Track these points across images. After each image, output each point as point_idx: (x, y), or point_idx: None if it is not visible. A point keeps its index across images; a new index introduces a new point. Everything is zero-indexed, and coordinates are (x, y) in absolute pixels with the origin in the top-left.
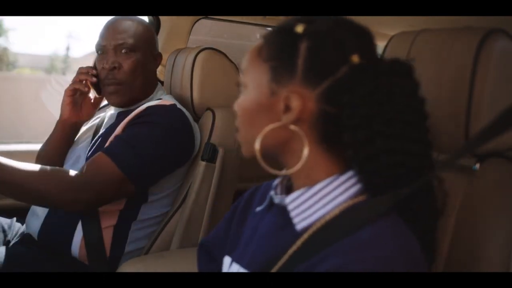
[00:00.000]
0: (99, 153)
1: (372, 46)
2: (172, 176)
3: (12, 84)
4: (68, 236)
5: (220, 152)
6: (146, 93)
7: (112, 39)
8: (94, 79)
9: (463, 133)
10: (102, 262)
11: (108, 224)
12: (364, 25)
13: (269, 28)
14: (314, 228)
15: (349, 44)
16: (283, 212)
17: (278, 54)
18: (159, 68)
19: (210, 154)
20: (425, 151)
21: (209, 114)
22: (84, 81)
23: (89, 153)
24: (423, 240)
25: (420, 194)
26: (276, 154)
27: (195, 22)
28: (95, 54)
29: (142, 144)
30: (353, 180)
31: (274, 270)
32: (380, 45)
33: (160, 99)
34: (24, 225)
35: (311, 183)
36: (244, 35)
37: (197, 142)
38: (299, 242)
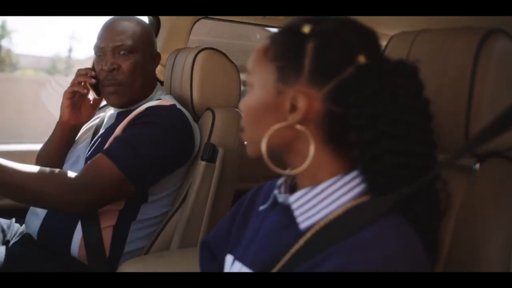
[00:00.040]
0: (99, 154)
1: (377, 46)
2: (172, 176)
3: (15, 85)
4: (68, 236)
5: (220, 152)
6: (146, 93)
7: (110, 40)
8: (93, 81)
9: (463, 133)
10: (101, 262)
11: (107, 224)
12: (368, 26)
13: (269, 28)
14: (317, 227)
15: (355, 45)
16: (286, 211)
17: (285, 54)
18: (159, 68)
19: (210, 154)
20: (430, 152)
21: (209, 114)
22: (83, 83)
23: (89, 153)
24: (426, 240)
25: (423, 195)
26: (281, 154)
27: (195, 22)
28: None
29: (142, 145)
30: (357, 180)
31: (276, 268)
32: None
33: (160, 99)
34: (24, 225)
35: (315, 183)
36: (244, 35)
37: (197, 142)
38: (301, 241)
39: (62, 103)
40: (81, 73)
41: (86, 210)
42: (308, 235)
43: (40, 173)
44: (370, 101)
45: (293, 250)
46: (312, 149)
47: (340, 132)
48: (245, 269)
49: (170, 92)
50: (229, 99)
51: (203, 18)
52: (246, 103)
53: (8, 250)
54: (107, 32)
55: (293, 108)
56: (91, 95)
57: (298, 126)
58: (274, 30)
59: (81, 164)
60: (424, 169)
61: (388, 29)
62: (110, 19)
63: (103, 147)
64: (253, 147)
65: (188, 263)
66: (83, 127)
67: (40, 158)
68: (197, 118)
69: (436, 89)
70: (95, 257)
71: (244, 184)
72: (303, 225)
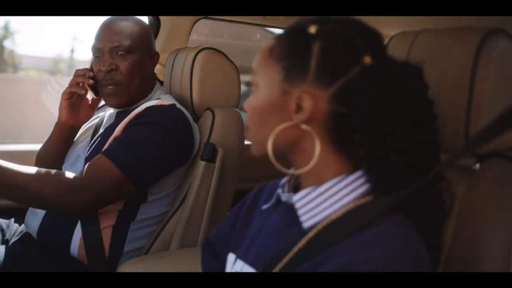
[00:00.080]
0: (98, 155)
1: (382, 46)
2: (171, 176)
3: (17, 85)
4: (67, 236)
5: (220, 152)
6: (145, 93)
7: (108, 41)
8: (91, 82)
9: (463, 133)
10: (101, 262)
11: (107, 224)
12: (373, 26)
13: (269, 28)
14: (319, 226)
15: (360, 45)
16: (290, 210)
17: (291, 54)
18: (159, 68)
19: (210, 154)
20: (434, 152)
21: (208, 114)
22: (81, 84)
23: (88, 153)
24: (429, 241)
25: (427, 195)
26: (286, 154)
27: (195, 22)
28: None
29: (142, 145)
30: (361, 180)
31: (278, 267)
32: None
33: (159, 98)
34: (23, 224)
35: (319, 182)
36: (244, 35)
37: (197, 142)
38: (304, 240)
39: (60, 104)
40: (79, 74)
41: (86, 211)
42: (311, 234)
43: (40, 174)
44: (376, 101)
45: (295, 249)
46: (317, 148)
47: (345, 132)
48: (247, 268)
49: (170, 92)
50: (229, 99)
51: (203, 18)
52: (251, 103)
53: (8, 250)
54: (104, 32)
55: (299, 108)
56: (90, 96)
57: (304, 126)
58: (274, 30)
59: (80, 164)
60: (428, 170)
61: (388, 29)
62: (107, 19)
63: (103, 146)
64: (258, 147)
65: (188, 263)
66: (83, 126)
67: (40, 158)
68: (197, 118)
69: (436, 89)
70: (95, 256)
71: (244, 184)
72: (306, 224)
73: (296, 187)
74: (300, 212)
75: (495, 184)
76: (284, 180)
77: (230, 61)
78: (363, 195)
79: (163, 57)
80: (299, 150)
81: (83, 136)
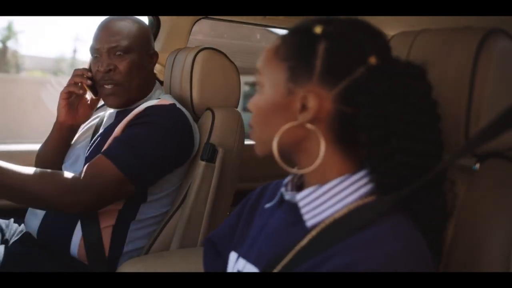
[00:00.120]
0: (98, 155)
1: (386, 47)
2: (171, 176)
3: (20, 86)
4: (67, 236)
5: (220, 152)
6: (144, 93)
7: (106, 41)
8: (89, 82)
9: (463, 133)
10: (101, 262)
11: (107, 224)
12: (377, 27)
13: (269, 28)
14: (322, 225)
15: (366, 45)
16: (293, 209)
17: (296, 54)
18: (159, 68)
19: (210, 154)
20: (438, 152)
21: (208, 114)
22: (79, 83)
23: (88, 153)
24: (431, 241)
25: (430, 195)
26: (290, 153)
27: (195, 22)
28: None
29: (142, 145)
30: (364, 180)
31: (280, 265)
32: None
33: (159, 98)
34: (23, 224)
35: (323, 181)
36: (244, 35)
37: (197, 142)
38: (306, 239)
39: (59, 104)
40: (77, 74)
41: (87, 211)
42: (313, 233)
43: (40, 174)
44: (381, 101)
45: (298, 247)
46: (323, 148)
47: (350, 132)
48: (249, 266)
49: (170, 92)
50: (229, 99)
51: (203, 18)
52: (256, 102)
53: (8, 249)
54: (102, 33)
55: (304, 108)
56: (89, 95)
57: (309, 125)
58: (274, 30)
59: (80, 164)
60: (431, 170)
61: (388, 29)
62: (105, 19)
63: (103, 146)
64: (262, 147)
65: (188, 263)
66: (83, 126)
67: (39, 158)
68: (196, 118)
69: (436, 89)
70: (95, 256)
71: (244, 184)
72: (309, 223)
73: (299, 186)
74: (303, 210)
75: (495, 184)
76: (287, 179)
77: (230, 61)
78: (366, 194)
79: (163, 57)
80: (303, 150)
81: (83, 136)
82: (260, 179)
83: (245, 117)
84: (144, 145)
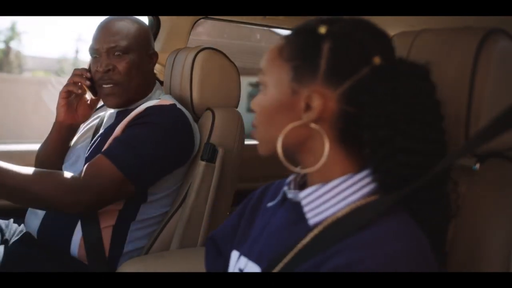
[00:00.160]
0: (98, 155)
1: (390, 47)
2: (171, 176)
3: (23, 86)
4: (67, 236)
5: (220, 152)
6: (144, 93)
7: (105, 42)
8: (88, 83)
9: (463, 133)
10: (101, 262)
11: (107, 224)
12: (381, 27)
13: (269, 28)
14: (325, 224)
15: (370, 45)
16: (296, 207)
17: (300, 54)
18: (159, 68)
19: (210, 154)
20: (441, 152)
21: (208, 114)
22: (79, 83)
23: (88, 153)
24: (434, 241)
25: (432, 195)
26: (294, 153)
27: (195, 22)
28: None
29: (142, 145)
30: (367, 180)
31: (282, 263)
32: None
33: (159, 99)
34: (23, 224)
35: (326, 180)
36: (244, 35)
37: (197, 142)
38: (309, 237)
39: (58, 103)
40: (76, 73)
41: (87, 211)
42: (316, 231)
43: (40, 174)
44: (385, 101)
45: (300, 245)
46: (327, 148)
47: (354, 132)
48: (251, 265)
49: (170, 92)
50: (229, 99)
51: (203, 18)
52: (260, 102)
53: (8, 249)
54: (101, 33)
55: (308, 108)
56: (89, 95)
57: (313, 125)
58: (273, 30)
59: (80, 164)
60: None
61: (388, 29)
62: (104, 19)
63: (103, 147)
64: (266, 147)
65: (188, 263)
66: (83, 127)
67: (38, 158)
68: (197, 118)
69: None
70: (95, 256)
71: (244, 184)
72: (312, 221)
73: (302, 185)
74: (306, 209)
75: (495, 184)
76: (290, 178)
77: (230, 61)
78: (369, 194)
79: (163, 57)
80: (307, 149)
81: (84, 137)
82: (260, 179)
83: (249, 118)
84: (144, 145)
